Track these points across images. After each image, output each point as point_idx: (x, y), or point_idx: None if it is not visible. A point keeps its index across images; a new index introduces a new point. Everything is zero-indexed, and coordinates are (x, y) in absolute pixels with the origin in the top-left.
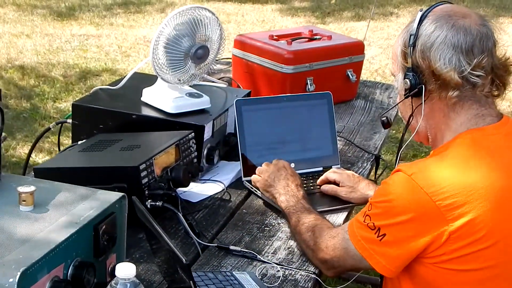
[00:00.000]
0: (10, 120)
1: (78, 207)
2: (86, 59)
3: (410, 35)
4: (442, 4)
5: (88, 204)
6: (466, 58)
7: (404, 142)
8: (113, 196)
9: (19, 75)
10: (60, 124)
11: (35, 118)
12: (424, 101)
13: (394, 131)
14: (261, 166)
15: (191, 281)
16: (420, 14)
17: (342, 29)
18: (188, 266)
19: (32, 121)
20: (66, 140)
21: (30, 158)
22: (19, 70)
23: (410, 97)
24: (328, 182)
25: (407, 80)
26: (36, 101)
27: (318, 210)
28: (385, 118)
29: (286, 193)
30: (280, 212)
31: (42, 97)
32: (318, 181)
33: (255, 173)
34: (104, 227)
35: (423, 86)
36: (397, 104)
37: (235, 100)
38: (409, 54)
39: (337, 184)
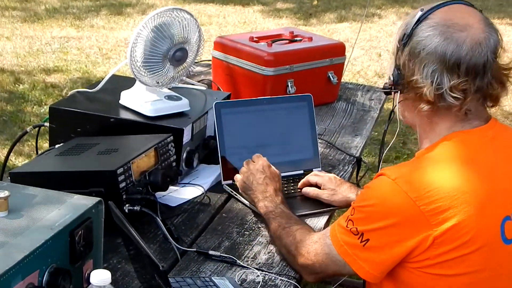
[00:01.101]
0: None
1: (54, 212)
2: (67, 61)
3: (404, 34)
4: (451, 3)
5: (63, 209)
6: (449, 75)
7: (386, 145)
8: (89, 201)
9: None
10: (37, 128)
11: (15, 121)
12: (398, 103)
13: (376, 133)
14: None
15: None
16: (419, 14)
17: (324, 31)
18: (165, 272)
19: (12, 124)
20: (46, 144)
21: (11, 162)
22: None
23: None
24: (310, 185)
25: (392, 76)
26: (16, 104)
27: (299, 213)
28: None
29: (265, 199)
30: (260, 215)
31: (22, 100)
32: (299, 184)
33: (237, 173)
34: (80, 232)
35: (398, 91)
36: (383, 90)
37: (214, 103)
38: (400, 51)
39: (319, 187)
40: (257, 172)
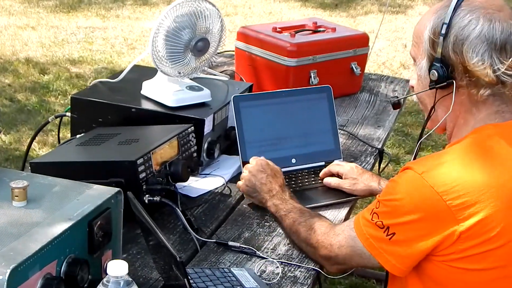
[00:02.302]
0: (14, 113)
1: (72, 202)
2: (92, 51)
3: (443, 24)
4: None
5: (82, 199)
6: (499, 56)
7: (410, 137)
8: (109, 191)
9: (24, 68)
10: (60, 118)
11: (40, 111)
12: (450, 93)
13: (401, 124)
14: None
15: (185, 279)
16: (454, 2)
17: (349, 22)
18: (182, 263)
19: (36, 114)
20: (69, 134)
21: (35, 152)
22: (24, 63)
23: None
24: (331, 175)
25: (435, 71)
26: (40, 94)
27: (320, 204)
28: (396, 99)
29: (272, 197)
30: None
31: (46, 89)
32: (321, 174)
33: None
34: (99, 223)
35: (454, 81)
36: (419, 93)
37: (232, 97)
38: (439, 43)
39: (340, 177)
40: (257, 173)
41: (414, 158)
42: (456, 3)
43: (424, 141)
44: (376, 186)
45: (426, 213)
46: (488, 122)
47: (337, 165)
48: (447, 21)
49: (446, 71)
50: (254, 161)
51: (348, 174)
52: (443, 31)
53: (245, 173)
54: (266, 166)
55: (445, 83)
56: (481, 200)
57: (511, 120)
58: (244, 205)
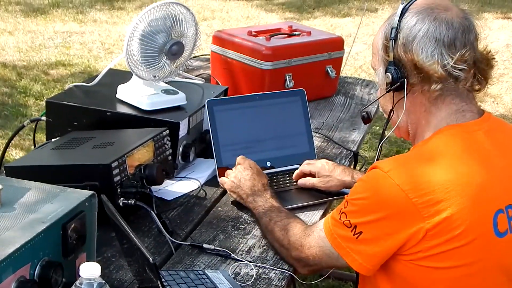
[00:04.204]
0: None
1: (46, 205)
2: (69, 56)
3: (392, 28)
4: None
5: (56, 202)
6: (448, 52)
7: (384, 138)
8: (83, 194)
9: (1, 72)
10: (35, 122)
11: (17, 115)
12: (406, 94)
13: (377, 128)
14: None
15: (158, 281)
16: (401, 6)
17: (327, 25)
18: (155, 265)
19: (13, 119)
20: (45, 138)
21: (11, 156)
22: (0, 68)
23: (391, 91)
24: (304, 175)
25: (389, 74)
26: (18, 99)
27: (296, 205)
28: (365, 113)
29: (254, 194)
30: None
31: (24, 94)
32: (294, 175)
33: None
34: (73, 225)
35: (405, 79)
36: (378, 99)
37: (206, 101)
38: (390, 47)
39: (313, 175)
40: (244, 170)
41: (377, 159)
42: (403, 7)
43: (401, 144)
44: (350, 180)
45: (392, 211)
46: (450, 122)
47: (308, 164)
48: (395, 25)
49: (399, 72)
50: (243, 160)
51: (321, 172)
52: (393, 35)
53: (231, 171)
54: (254, 166)
55: (399, 83)
56: (447, 198)
57: (473, 120)
58: (219, 208)
